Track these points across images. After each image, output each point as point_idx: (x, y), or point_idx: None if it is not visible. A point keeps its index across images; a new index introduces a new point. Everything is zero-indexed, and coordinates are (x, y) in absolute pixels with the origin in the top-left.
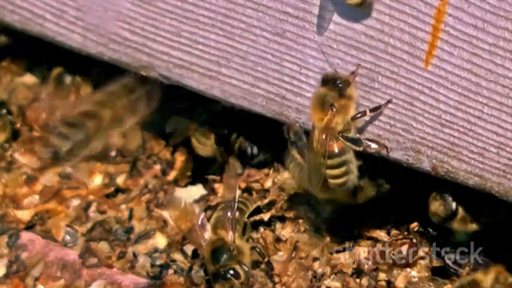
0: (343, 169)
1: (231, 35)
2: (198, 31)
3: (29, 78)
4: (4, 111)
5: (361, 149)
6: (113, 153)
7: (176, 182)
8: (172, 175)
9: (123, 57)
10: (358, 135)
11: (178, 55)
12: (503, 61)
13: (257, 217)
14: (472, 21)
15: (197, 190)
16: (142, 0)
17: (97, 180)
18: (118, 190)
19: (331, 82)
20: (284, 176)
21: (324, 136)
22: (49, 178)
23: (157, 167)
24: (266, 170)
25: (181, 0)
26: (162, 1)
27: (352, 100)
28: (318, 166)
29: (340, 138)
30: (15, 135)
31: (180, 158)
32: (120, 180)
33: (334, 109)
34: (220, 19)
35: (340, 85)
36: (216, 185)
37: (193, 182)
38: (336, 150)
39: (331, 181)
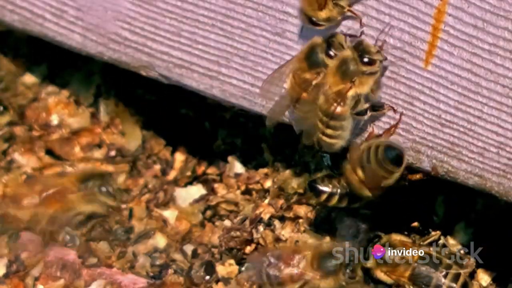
0: (338, 132)
1: (231, 35)
2: (198, 31)
3: (29, 78)
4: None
5: (365, 118)
6: (113, 153)
7: (176, 182)
8: (172, 175)
9: (123, 57)
10: (366, 105)
11: (178, 55)
12: (503, 61)
13: (256, 217)
14: (472, 21)
15: (197, 190)
16: (142, 0)
17: None
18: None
19: (360, 53)
20: (284, 176)
21: (335, 103)
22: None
23: (157, 167)
24: (266, 170)
25: (181, 0)
26: (162, 1)
27: (372, 78)
28: (317, 122)
29: (348, 106)
30: (14, 136)
31: (180, 158)
32: (120, 180)
33: (354, 84)
34: (220, 19)
35: (367, 62)
36: (216, 185)
37: (193, 182)
38: (340, 115)
39: (323, 137)
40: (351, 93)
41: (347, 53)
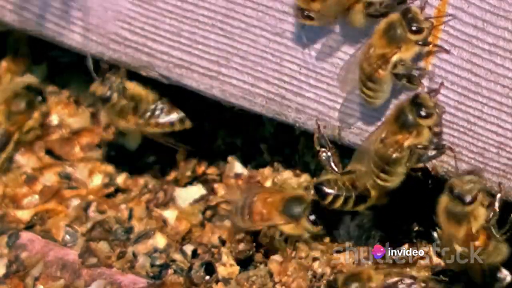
0: (378, 93)
1: (231, 35)
2: (198, 31)
3: (29, 78)
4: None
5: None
6: (113, 153)
7: (176, 182)
8: (172, 175)
9: (123, 57)
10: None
11: (178, 55)
12: (503, 61)
13: None
14: (472, 21)
15: (197, 190)
16: (142, 0)
17: (97, 180)
18: (118, 190)
19: (409, 21)
20: (284, 176)
21: (375, 65)
22: (49, 178)
23: (157, 167)
24: (266, 170)
25: (181, 0)
26: (162, 1)
27: (417, 46)
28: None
29: (389, 71)
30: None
31: (180, 158)
32: (120, 180)
33: (400, 49)
34: (220, 19)
35: (415, 30)
36: (216, 185)
37: (193, 182)
38: (381, 78)
39: (363, 96)
40: (394, 58)
41: (396, 17)
